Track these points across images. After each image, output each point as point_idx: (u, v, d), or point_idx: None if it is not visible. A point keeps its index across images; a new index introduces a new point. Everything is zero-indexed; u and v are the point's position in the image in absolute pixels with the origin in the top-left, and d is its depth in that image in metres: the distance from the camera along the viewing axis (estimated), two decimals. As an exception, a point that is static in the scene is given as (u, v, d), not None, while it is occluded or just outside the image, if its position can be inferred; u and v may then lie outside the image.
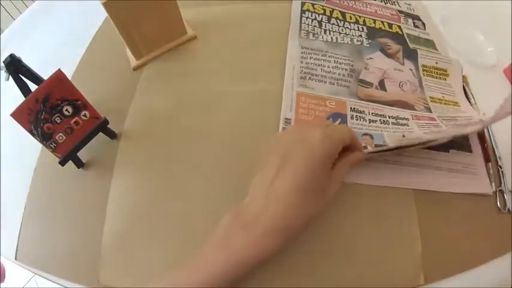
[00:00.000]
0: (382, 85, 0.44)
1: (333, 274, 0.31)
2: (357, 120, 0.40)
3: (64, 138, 0.35)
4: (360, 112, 0.41)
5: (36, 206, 0.38)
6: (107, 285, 0.32)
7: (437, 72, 0.46)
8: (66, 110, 0.35)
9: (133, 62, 0.47)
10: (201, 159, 0.38)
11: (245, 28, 0.50)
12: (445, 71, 0.47)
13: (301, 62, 0.45)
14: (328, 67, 0.45)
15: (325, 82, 0.44)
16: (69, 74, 0.48)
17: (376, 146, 0.37)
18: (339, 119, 0.40)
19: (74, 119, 0.36)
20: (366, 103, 0.42)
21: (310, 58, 0.46)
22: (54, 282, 0.34)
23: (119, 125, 0.41)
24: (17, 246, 0.36)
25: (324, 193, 0.27)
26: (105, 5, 0.39)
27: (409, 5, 0.57)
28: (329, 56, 0.46)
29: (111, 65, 0.49)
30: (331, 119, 0.40)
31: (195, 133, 0.40)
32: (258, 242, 0.24)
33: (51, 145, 0.35)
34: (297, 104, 0.41)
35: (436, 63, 0.47)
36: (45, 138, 0.35)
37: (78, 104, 0.36)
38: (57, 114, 0.35)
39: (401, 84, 0.44)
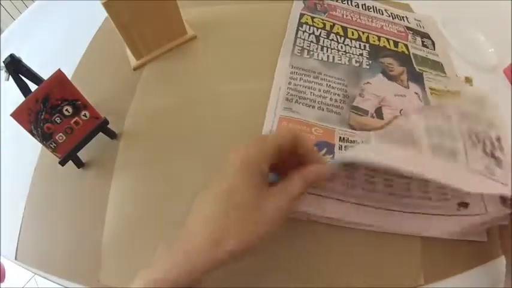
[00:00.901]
0: (379, 113, 0.40)
1: (333, 274, 0.31)
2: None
3: (64, 138, 0.35)
4: (351, 142, 0.36)
5: (36, 206, 0.38)
6: (107, 285, 0.32)
7: (449, 96, 0.41)
8: (66, 110, 0.35)
9: (134, 62, 0.47)
10: (201, 160, 0.38)
11: (245, 28, 0.50)
12: (459, 93, 0.42)
13: (289, 83, 0.42)
14: (319, 91, 0.41)
15: (313, 107, 0.40)
16: (69, 74, 0.47)
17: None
18: (325, 149, 0.36)
19: (74, 119, 0.36)
20: (354, 132, 0.38)
21: (300, 80, 0.42)
22: (54, 282, 0.34)
23: (119, 125, 0.41)
24: (17, 246, 0.36)
25: (258, 213, 0.22)
26: (105, 5, 0.39)
27: (419, 21, 0.53)
28: (321, 79, 0.42)
29: (111, 65, 0.49)
30: (317, 147, 0.36)
31: (195, 133, 0.40)
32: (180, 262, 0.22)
33: (51, 145, 0.35)
34: (277, 129, 0.37)
35: (446, 87, 0.42)
36: (45, 138, 0.35)
37: (78, 104, 0.36)
38: (57, 114, 0.35)
39: (402, 112, 0.40)
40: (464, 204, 0.33)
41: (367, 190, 0.33)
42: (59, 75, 0.34)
